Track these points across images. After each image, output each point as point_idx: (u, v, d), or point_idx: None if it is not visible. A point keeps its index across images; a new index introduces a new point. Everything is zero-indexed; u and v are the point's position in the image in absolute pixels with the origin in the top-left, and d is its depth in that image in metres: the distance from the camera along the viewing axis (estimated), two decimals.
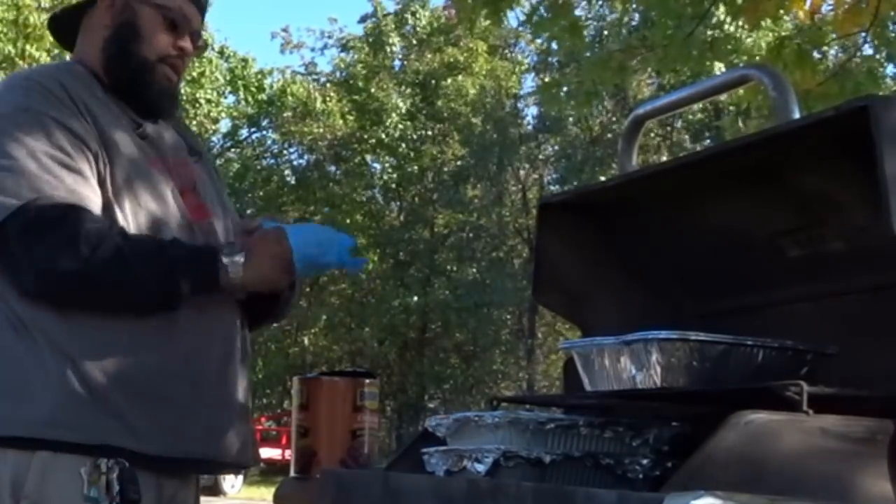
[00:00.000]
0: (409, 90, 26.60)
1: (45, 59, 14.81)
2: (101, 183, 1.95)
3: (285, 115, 27.74)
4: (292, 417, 2.17)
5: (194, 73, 25.30)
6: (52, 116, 1.94)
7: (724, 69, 7.15)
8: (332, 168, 27.45)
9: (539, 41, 20.66)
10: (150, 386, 1.94)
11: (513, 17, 20.67)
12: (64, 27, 2.18)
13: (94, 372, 1.90)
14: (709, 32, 6.11)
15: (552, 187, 24.72)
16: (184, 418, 1.97)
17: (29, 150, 1.90)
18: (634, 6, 8.25)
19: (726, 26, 7.72)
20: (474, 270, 25.61)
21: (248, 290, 2.04)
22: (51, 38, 14.98)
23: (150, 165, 2.03)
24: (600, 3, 18.13)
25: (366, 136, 26.19)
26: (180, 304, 1.95)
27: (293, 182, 28.37)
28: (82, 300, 1.93)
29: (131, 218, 1.96)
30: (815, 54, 5.69)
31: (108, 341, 1.93)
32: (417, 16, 26.42)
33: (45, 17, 14.80)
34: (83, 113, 1.97)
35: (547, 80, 16.03)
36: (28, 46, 14.57)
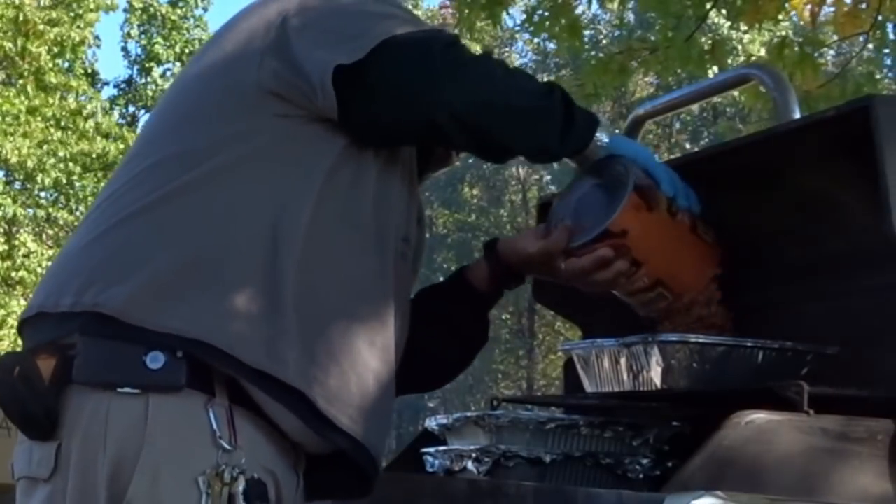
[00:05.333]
0: None
1: (45, 56, 14.79)
2: None
3: None
4: None
5: None
6: None
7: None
8: None
9: (536, 41, 20.69)
10: None
11: (509, 20, 20.70)
12: None
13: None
14: (707, 36, 6.10)
15: (552, 187, 24.70)
16: None
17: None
18: (631, 6, 8.23)
19: (724, 30, 7.72)
20: None
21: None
22: (51, 36, 14.99)
23: None
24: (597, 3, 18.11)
25: None
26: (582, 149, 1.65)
27: None
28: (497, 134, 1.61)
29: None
30: (816, 56, 5.68)
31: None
32: None
33: (44, 14, 14.82)
34: None
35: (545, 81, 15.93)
36: (28, 44, 14.57)
